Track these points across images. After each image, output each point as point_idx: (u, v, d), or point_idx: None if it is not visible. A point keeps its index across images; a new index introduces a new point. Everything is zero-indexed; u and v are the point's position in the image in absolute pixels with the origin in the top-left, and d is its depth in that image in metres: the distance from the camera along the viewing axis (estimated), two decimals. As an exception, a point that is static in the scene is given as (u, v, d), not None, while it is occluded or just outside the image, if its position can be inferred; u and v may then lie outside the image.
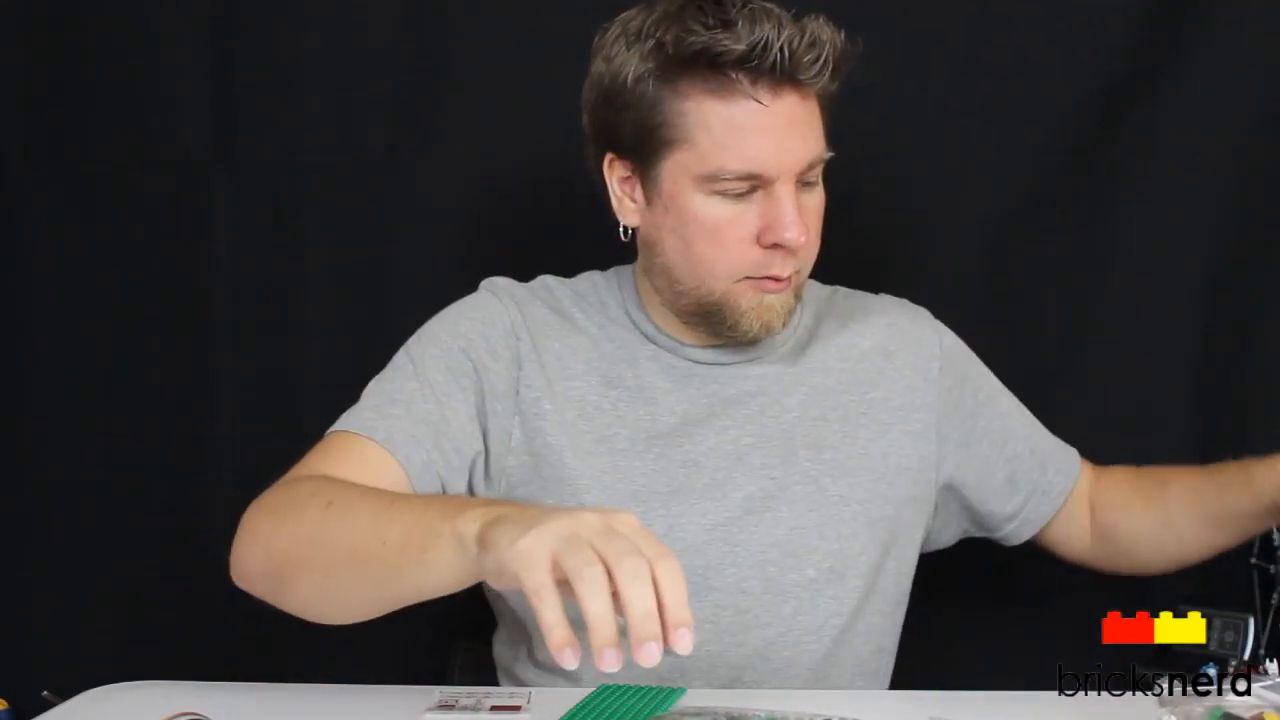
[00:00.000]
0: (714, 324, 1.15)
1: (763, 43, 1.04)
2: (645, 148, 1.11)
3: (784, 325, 1.16)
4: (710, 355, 1.19)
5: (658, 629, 0.72)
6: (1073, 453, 1.32)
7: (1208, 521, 1.22)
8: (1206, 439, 1.58)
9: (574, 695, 1.02)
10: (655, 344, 1.20)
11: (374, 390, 1.15)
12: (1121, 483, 1.30)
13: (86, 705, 1.05)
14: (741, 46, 1.04)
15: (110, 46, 1.60)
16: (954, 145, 1.58)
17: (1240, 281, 1.57)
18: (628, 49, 1.09)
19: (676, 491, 1.15)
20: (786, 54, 1.04)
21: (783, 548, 1.15)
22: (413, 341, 1.18)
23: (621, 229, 1.18)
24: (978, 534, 1.32)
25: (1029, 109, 1.57)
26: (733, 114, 1.06)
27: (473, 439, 1.14)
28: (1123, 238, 1.57)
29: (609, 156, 1.15)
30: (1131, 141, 1.56)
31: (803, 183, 1.10)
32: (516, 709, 0.99)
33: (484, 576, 0.83)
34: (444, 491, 1.12)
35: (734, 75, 1.05)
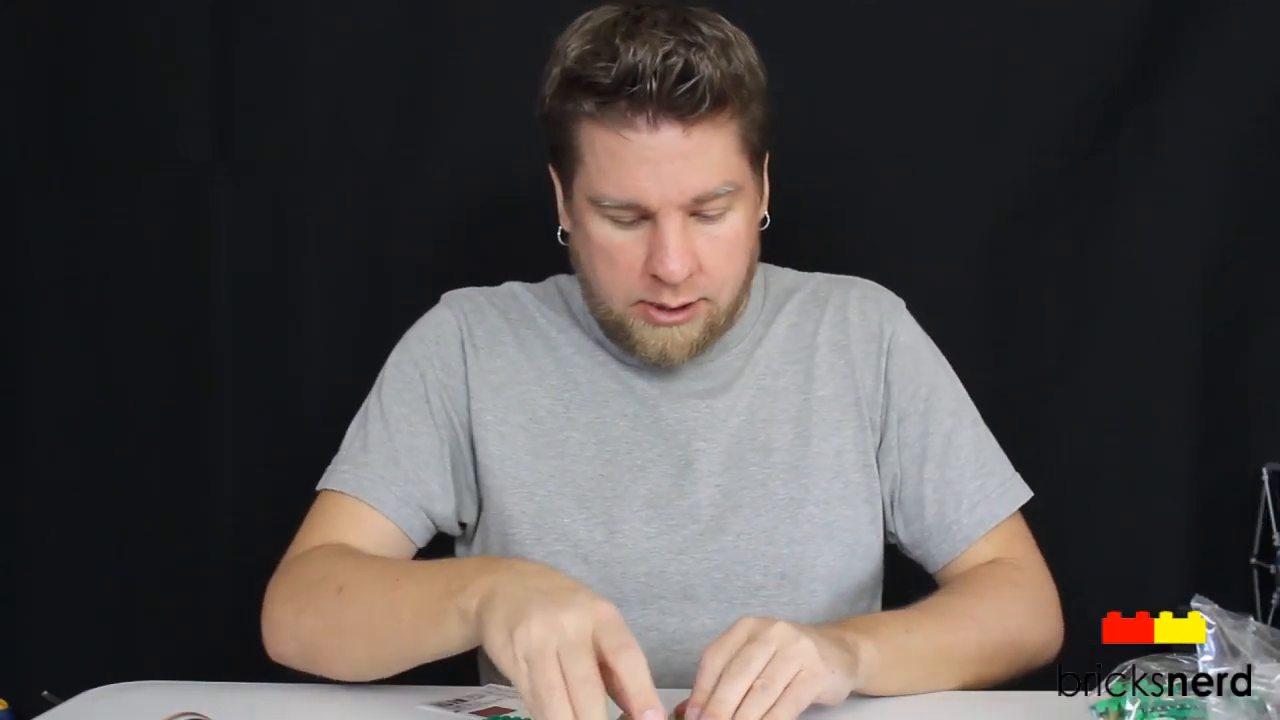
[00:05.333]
0: (619, 343, 1.16)
1: (633, 73, 1.00)
2: (560, 161, 1.13)
3: (688, 356, 1.13)
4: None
5: None
6: (1007, 505, 1.18)
7: None
8: (1206, 439, 1.58)
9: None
10: (604, 348, 1.20)
11: (348, 439, 1.20)
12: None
13: (86, 705, 1.05)
14: (609, 78, 1.02)
15: (110, 47, 1.60)
16: (954, 146, 1.58)
17: (1240, 281, 1.57)
18: (552, 61, 1.09)
19: (621, 497, 1.15)
20: (654, 86, 1.00)
21: (728, 554, 1.14)
22: (378, 380, 1.22)
23: (560, 233, 1.19)
24: (904, 549, 1.23)
25: (1029, 110, 1.57)
26: (610, 141, 1.04)
27: (445, 458, 1.18)
28: (1122, 239, 1.57)
29: (550, 164, 1.16)
30: (1131, 142, 1.56)
31: (700, 215, 1.07)
32: (511, 710, 0.99)
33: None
34: (429, 517, 1.17)
35: (612, 109, 1.03)
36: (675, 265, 1.06)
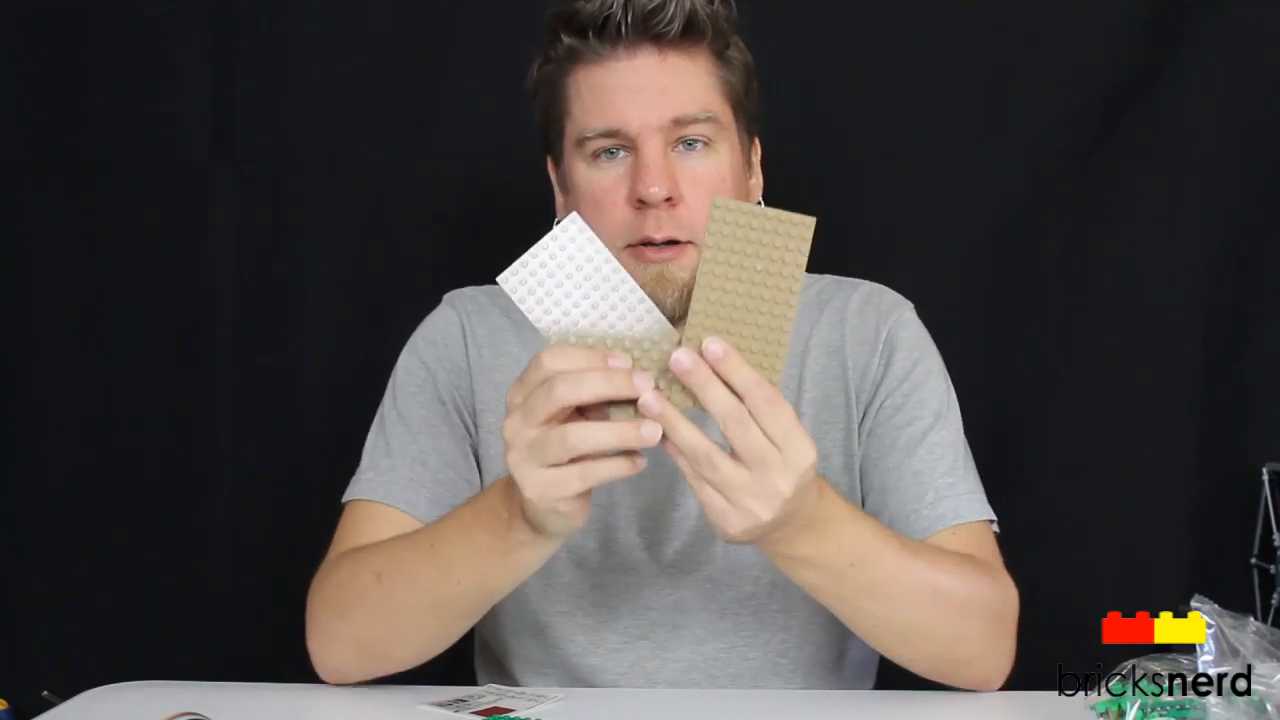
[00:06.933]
0: None
1: (610, 3, 1.08)
2: (551, 133, 1.15)
3: (678, 301, 1.08)
4: None
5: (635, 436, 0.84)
6: (976, 511, 1.12)
7: None
8: (1206, 439, 1.58)
9: (577, 697, 1.02)
10: None
11: (370, 447, 1.18)
12: None
13: (86, 705, 1.05)
14: (590, 9, 1.09)
15: (110, 47, 1.61)
16: (954, 148, 1.58)
17: (1240, 282, 1.57)
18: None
19: (615, 506, 1.15)
20: (631, 12, 1.07)
21: (718, 564, 1.14)
22: (391, 385, 1.21)
23: (555, 222, 1.18)
24: None
25: (1029, 111, 1.57)
26: (595, 77, 1.10)
27: (469, 456, 1.17)
28: (1122, 239, 1.58)
29: (548, 159, 1.18)
30: (1131, 143, 1.57)
31: (683, 143, 1.10)
32: (511, 710, 0.99)
33: (559, 543, 0.95)
34: None
35: (594, 41, 1.09)
36: (655, 186, 1.07)
